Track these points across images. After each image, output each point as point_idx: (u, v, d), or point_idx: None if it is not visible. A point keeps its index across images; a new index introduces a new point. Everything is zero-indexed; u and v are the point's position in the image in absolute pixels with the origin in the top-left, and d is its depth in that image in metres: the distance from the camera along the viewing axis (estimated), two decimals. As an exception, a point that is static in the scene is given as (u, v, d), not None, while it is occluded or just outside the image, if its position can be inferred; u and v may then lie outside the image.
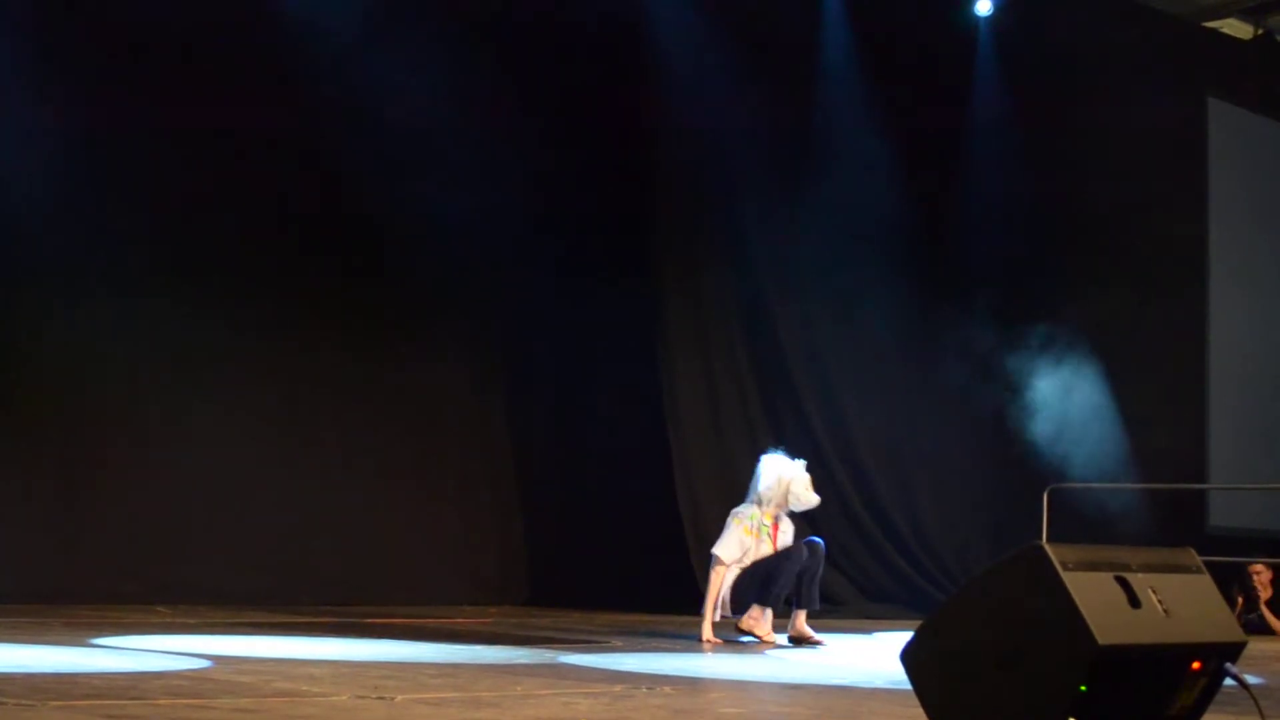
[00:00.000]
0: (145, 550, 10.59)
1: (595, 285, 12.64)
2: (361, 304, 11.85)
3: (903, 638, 9.60)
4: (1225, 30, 16.77)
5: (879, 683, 6.72)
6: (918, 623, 4.68)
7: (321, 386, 11.64)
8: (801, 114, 13.29)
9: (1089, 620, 4.26)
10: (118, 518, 10.54)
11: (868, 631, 10.89)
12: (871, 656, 8.71)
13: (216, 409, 11.06)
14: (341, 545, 11.48)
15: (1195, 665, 4.60)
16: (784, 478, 9.34)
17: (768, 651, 8.73)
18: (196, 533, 10.80)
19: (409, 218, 11.88)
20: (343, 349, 11.70)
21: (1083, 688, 4.28)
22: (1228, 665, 4.65)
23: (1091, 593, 4.35)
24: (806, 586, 9.29)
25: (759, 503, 9.36)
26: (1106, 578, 4.47)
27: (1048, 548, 4.40)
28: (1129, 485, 13.76)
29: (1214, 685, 4.70)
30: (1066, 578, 4.33)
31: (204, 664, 6.36)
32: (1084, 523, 13.07)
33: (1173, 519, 14.40)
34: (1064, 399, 13.43)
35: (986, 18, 14.44)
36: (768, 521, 9.33)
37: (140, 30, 10.66)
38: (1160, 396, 14.67)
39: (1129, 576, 4.51)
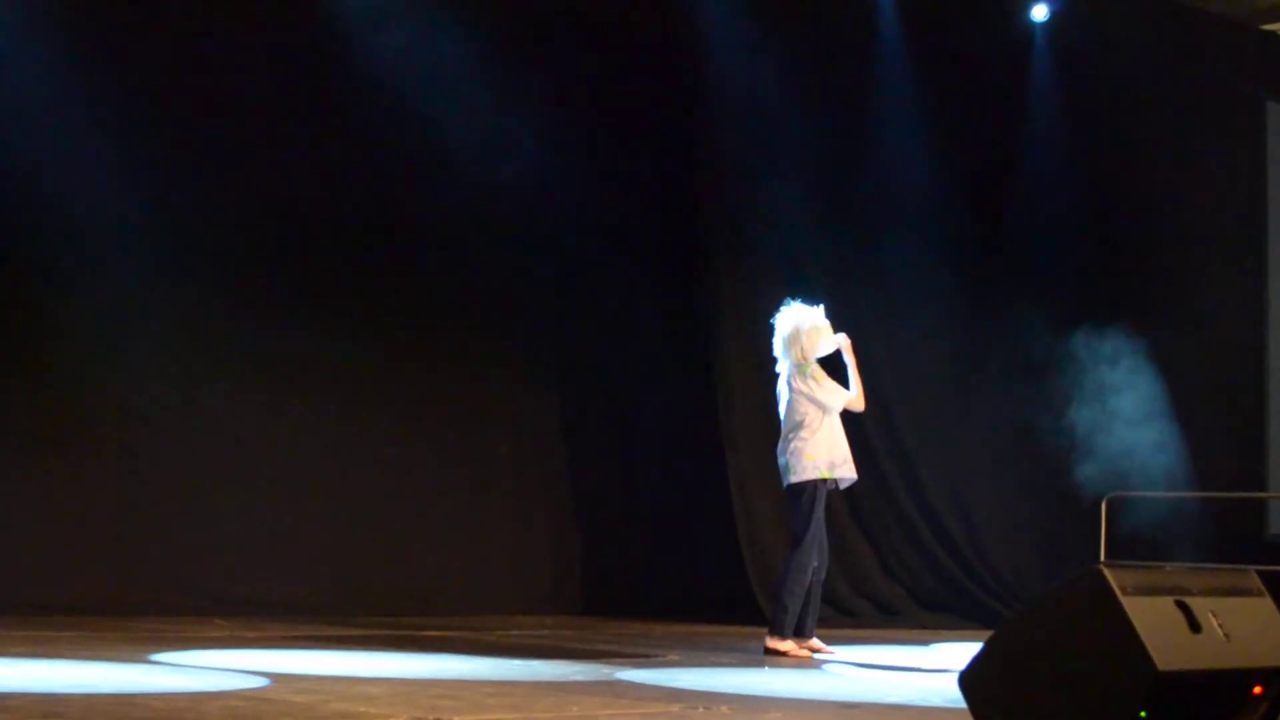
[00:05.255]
0: (202, 562, 10.63)
1: (651, 294, 12.65)
2: (416, 312, 11.85)
3: (959, 649, 9.58)
4: (1283, 34, 16.64)
5: (936, 701, 6.69)
6: (974, 633, 4.68)
7: (376, 397, 11.64)
8: (856, 122, 13.25)
9: (1148, 645, 4.24)
10: (174, 529, 10.58)
11: (924, 642, 10.83)
12: (929, 671, 8.65)
13: (270, 420, 11.10)
14: (396, 556, 11.49)
15: (1257, 690, 4.57)
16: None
17: (825, 666, 8.71)
18: (252, 544, 10.84)
19: (463, 224, 11.90)
20: (396, 359, 11.70)
21: (1142, 714, 4.26)
22: (1290, 689, 4.62)
23: (1151, 617, 4.33)
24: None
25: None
26: (1167, 602, 4.44)
27: (1107, 572, 4.38)
28: (1187, 494, 13.65)
29: (1276, 709, 4.67)
30: (1126, 602, 4.31)
31: (262, 682, 6.39)
32: (1142, 532, 12.98)
33: (1231, 527, 14.28)
34: (1120, 405, 13.34)
35: (1042, 23, 14.37)
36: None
37: (169, 25, 10.71)
38: (1218, 403, 14.56)
39: (1189, 600, 4.48)
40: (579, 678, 7.23)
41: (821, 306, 9.53)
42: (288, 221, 11.22)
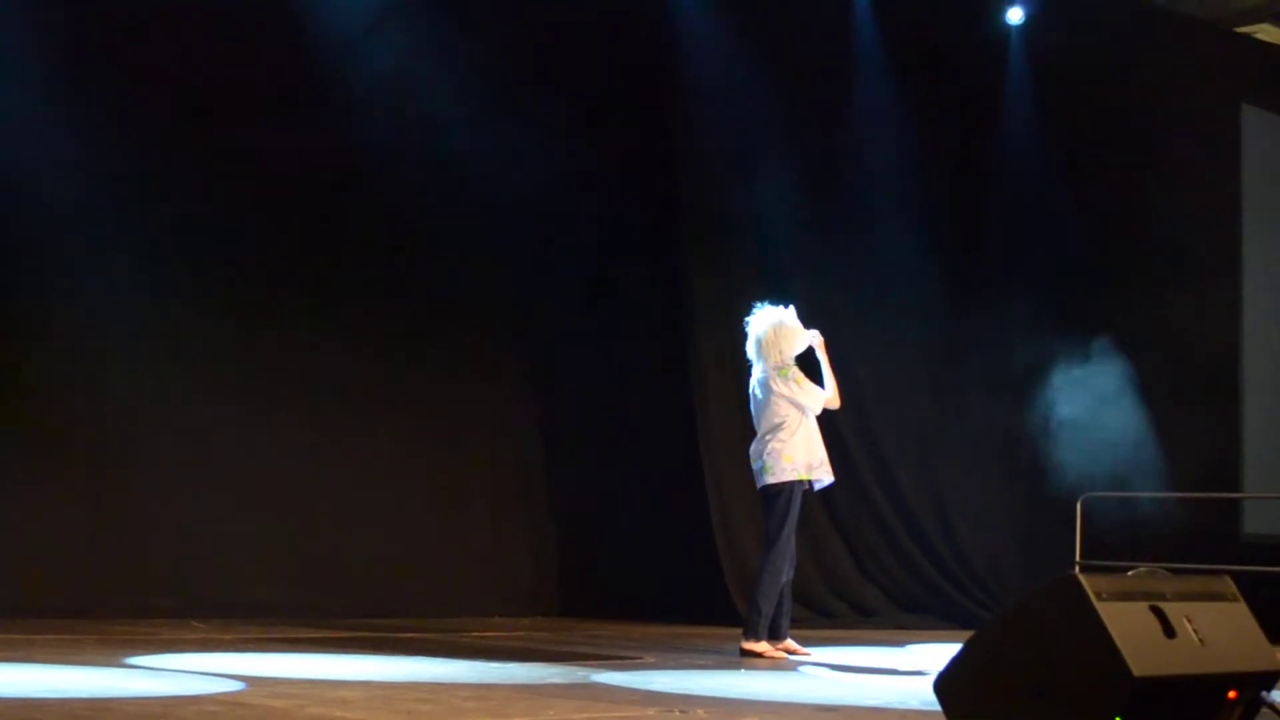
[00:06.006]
0: (178, 562, 10.60)
1: (627, 293, 12.66)
2: (392, 315, 11.85)
3: (936, 650, 9.60)
4: (1259, 36, 16.69)
5: (913, 703, 6.70)
6: (951, 633, 4.70)
7: (352, 397, 11.62)
8: (834, 125, 13.28)
9: (1124, 651, 4.26)
10: (150, 529, 10.55)
11: (900, 643, 10.86)
12: (905, 672, 8.67)
13: (248, 419, 11.07)
14: (373, 556, 11.47)
15: (1231, 694, 4.59)
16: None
17: (801, 668, 8.72)
18: (228, 546, 10.80)
19: (437, 224, 11.89)
20: (372, 358, 11.69)
21: (1118, 718, 4.27)
22: (1264, 694, 4.64)
23: (1126, 623, 4.35)
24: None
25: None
26: (1141, 607, 4.46)
27: (1082, 578, 4.39)
28: (1162, 494, 13.70)
29: (1250, 714, 4.69)
30: (1101, 608, 4.32)
31: (237, 686, 6.38)
32: (1118, 532, 13.02)
33: (1207, 527, 14.34)
34: (1096, 406, 13.38)
35: (1018, 26, 14.41)
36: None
37: (159, 31, 10.70)
38: (1194, 403, 14.60)
39: (1164, 606, 4.50)
40: (556, 680, 7.23)
41: (792, 307, 9.54)
42: (268, 227, 11.20)
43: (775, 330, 9.40)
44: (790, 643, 9.31)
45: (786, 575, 9.25)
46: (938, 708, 4.84)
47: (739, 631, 9.39)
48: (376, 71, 11.25)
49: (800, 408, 9.30)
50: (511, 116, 11.95)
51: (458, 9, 11.79)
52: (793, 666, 8.75)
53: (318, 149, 11.32)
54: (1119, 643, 4.26)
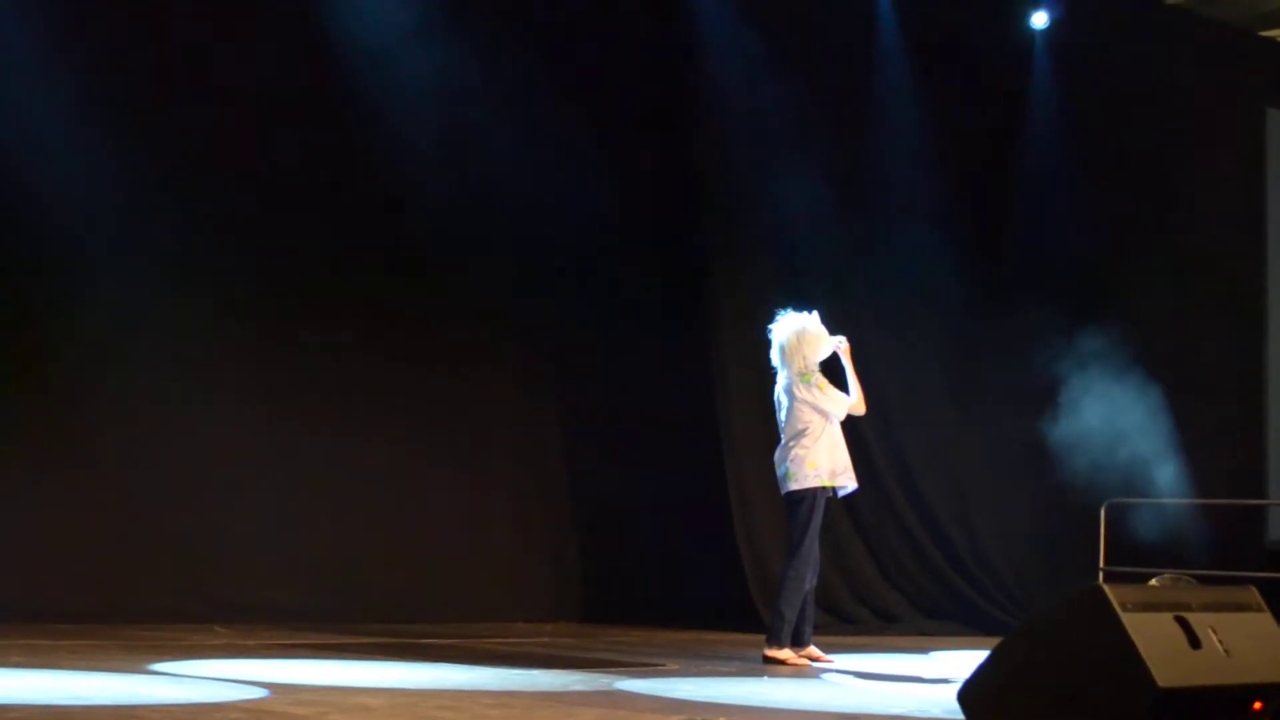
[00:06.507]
0: (201, 568, 10.62)
1: (651, 301, 12.65)
2: (414, 320, 11.85)
3: (959, 657, 9.57)
4: (1283, 40, 16.66)
5: (935, 711, 6.69)
6: (974, 640, 4.69)
7: (373, 402, 11.63)
8: (857, 129, 13.26)
9: (1149, 662, 4.25)
10: (173, 535, 10.57)
11: (924, 650, 10.84)
12: (929, 680, 8.65)
13: (269, 427, 11.08)
14: (395, 562, 11.48)
15: (1257, 705, 4.58)
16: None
17: (825, 676, 8.71)
18: (251, 551, 10.81)
19: (458, 227, 11.89)
20: (396, 364, 11.69)
21: (1143, 730, 4.26)
22: (1289, 705, 4.62)
23: (1151, 634, 4.34)
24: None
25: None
26: (1166, 618, 4.45)
27: (1107, 588, 4.38)
28: (1187, 500, 13.66)
29: (1275, 725, 4.68)
30: (1126, 619, 4.31)
31: (262, 693, 6.39)
32: (1142, 538, 12.99)
33: (1231, 534, 14.29)
34: (1120, 413, 13.34)
35: (1042, 30, 14.38)
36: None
37: (182, 35, 10.73)
38: (1217, 409, 14.57)
39: (1189, 616, 4.49)
40: (578, 688, 7.23)
41: (815, 313, 9.53)
42: (287, 231, 11.21)
43: (798, 337, 9.39)
44: (813, 650, 9.30)
45: (810, 582, 9.24)
46: (961, 717, 4.83)
47: (762, 638, 9.39)
48: (404, 86, 11.26)
49: (824, 414, 9.29)
50: (536, 128, 11.97)
51: (484, 27, 11.80)
52: (816, 674, 8.75)
53: (342, 156, 11.35)
54: (1144, 653, 4.25)
